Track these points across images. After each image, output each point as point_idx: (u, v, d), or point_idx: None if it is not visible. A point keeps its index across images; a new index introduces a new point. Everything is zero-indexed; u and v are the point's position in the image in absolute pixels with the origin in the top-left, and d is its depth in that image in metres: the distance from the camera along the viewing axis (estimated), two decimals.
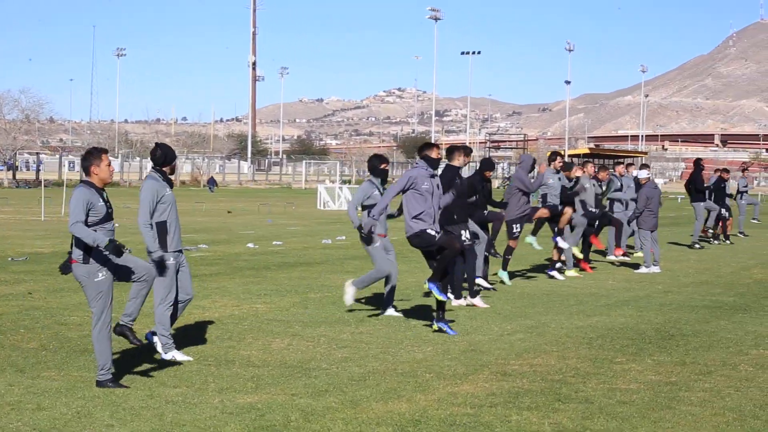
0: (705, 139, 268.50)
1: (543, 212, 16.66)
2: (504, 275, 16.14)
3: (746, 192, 30.32)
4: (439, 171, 12.04)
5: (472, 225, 13.95)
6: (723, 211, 26.20)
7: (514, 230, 15.97)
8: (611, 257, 20.39)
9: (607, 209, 20.09)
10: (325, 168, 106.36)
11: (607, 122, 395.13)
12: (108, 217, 8.36)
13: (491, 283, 15.28)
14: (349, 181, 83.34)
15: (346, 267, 18.66)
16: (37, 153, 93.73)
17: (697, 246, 24.39)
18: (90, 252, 8.26)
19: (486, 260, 14.89)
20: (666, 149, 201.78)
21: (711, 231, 26.11)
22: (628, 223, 20.76)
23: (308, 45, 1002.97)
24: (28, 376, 8.71)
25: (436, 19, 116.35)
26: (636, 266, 19.21)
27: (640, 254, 20.32)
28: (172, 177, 9.78)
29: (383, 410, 7.66)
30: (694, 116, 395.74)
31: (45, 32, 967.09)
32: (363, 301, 13.94)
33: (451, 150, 13.14)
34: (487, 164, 15.29)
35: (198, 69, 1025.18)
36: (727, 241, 26.08)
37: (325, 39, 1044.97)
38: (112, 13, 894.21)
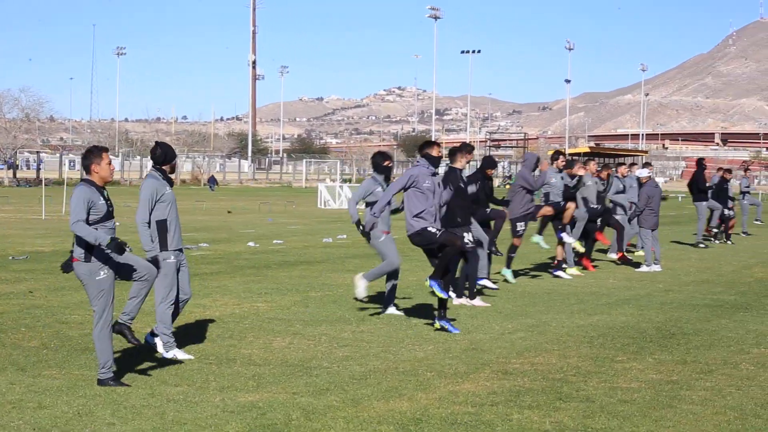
0: (705, 137, 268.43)
1: (547, 210, 16.64)
2: (508, 273, 16.14)
3: (748, 192, 30.30)
4: (441, 170, 12.05)
5: (476, 230, 13.92)
6: (726, 211, 26.19)
7: (518, 228, 15.97)
8: (612, 255, 20.37)
9: (610, 208, 20.07)
10: (326, 167, 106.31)
11: (607, 121, 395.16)
12: (109, 215, 8.36)
13: (494, 282, 15.29)
14: (350, 180, 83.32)
15: (347, 266, 18.66)
16: (38, 152, 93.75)
17: (701, 245, 24.37)
18: (91, 250, 8.26)
19: (489, 259, 14.89)
20: (666, 148, 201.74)
21: (715, 230, 26.09)
22: (629, 221, 20.75)
23: (308, 44, 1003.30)
24: (30, 375, 8.71)
25: (436, 17, 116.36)
26: (637, 265, 19.21)
27: (641, 253, 20.32)
28: (173, 176, 9.79)
29: (384, 409, 7.66)
30: (695, 115, 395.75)
31: (45, 31, 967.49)
32: (365, 299, 13.95)
33: (453, 152, 13.14)
34: (489, 162, 15.28)
35: (198, 68, 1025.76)
36: (728, 242, 26.07)
37: (325, 38, 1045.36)
38: (112, 12, 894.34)
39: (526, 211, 15.98)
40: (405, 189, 11.30)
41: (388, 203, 11.57)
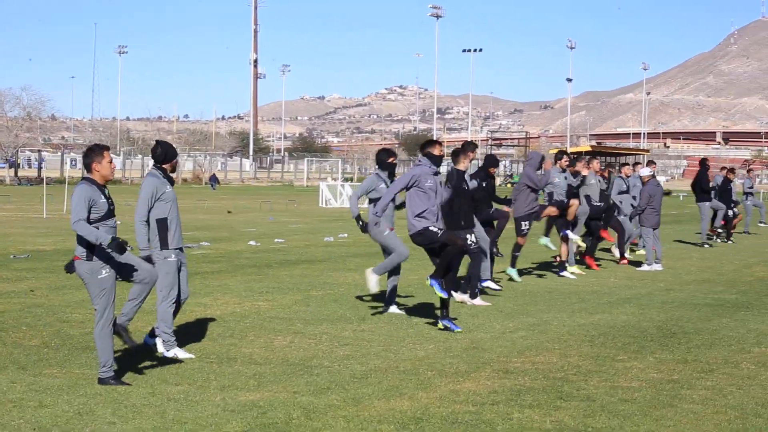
0: (707, 136, 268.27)
1: (551, 210, 16.58)
2: (514, 272, 16.15)
3: (752, 193, 30.24)
4: (443, 169, 12.04)
5: (478, 231, 13.91)
6: (729, 211, 26.19)
7: (523, 227, 15.96)
8: (616, 253, 20.33)
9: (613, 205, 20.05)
10: (327, 166, 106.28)
11: (608, 120, 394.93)
12: (110, 213, 8.36)
13: (496, 281, 15.30)
14: (351, 179, 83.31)
15: (348, 264, 18.66)
16: (39, 150, 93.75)
17: (706, 245, 24.32)
18: (93, 249, 8.26)
19: (492, 260, 14.90)
20: (668, 147, 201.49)
21: (719, 231, 26.07)
22: (630, 219, 20.74)
23: (310, 42, 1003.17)
24: (30, 374, 8.71)
25: (438, 16, 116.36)
26: (638, 264, 19.20)
27: (642, 252, 20.32)
28: (174, 175, 9.79)
29: (385, 408, 7.66)
30: (696, 114, 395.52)
31: (46, 30, 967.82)
32: (366, 298, 13.95)
33: (456, 153, 13.12)
34: (492, 161, 15.26)
35: (200, 66, 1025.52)
36: (729, 241, 26.05)
37: (326, 36, 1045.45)
38: (114, 11, 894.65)
39: (531, 210, 15.97)
40: (407, 188, 11.30)
41: (392, 200, 11.58)
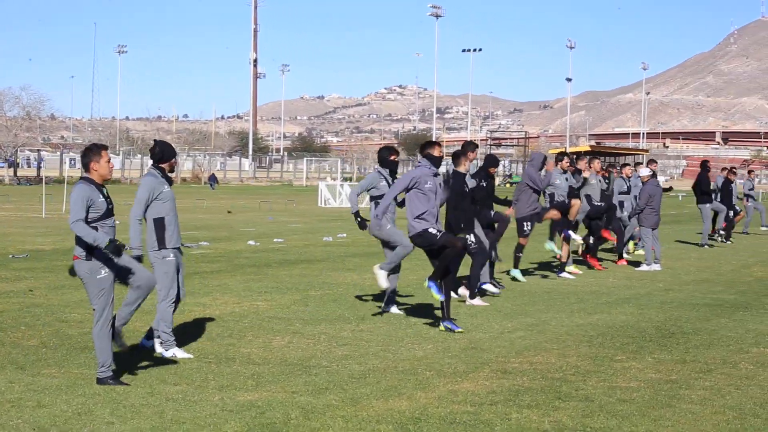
0: (706, 136, 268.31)
1: (553, 214, 16.51)
2: (517, 273, 16.17)
3: (752, 196, 30.17)
4: (442, 169, 12.05)
5: (479, 233, 13.91)
6: (730, 212, 26.18)
7: (525, 228, 15.96)
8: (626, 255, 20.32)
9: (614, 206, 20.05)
10: (326, 165, 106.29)
11: (608, 119, 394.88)
12: (109, 213, 8.36)
13: (498, 281, 15.32)
14: (350, 179, 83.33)
15: (347, 264, 18.66)
16: (38, 150, 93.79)
17: (706, 246, 24.29)
18: (92, 249, 8.25)
19: (492, 264, 14.91)
20: (667, 147, 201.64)
21: (721, 232, 26.05)
22: (629, 218, 20.74)
23: (309, 42, 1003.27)
24: (29, 374, 8.71)
25: (437, 16, 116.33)
26: (637, 264, 19.21)
27: (641, 252, 20.32)
28: (172, 174, 9.79)
29: (383, 408, 7.66)
30: (696, 114, 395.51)
31: (46, 29, 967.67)
32: (366, 298, 13.95)
33: (457, 156, 13.10)
34: (492, 161, 15.24)
35: (199, 66, 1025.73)
36: (728, 242, 26.04)
37: (326, 36, 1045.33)
38: (113, 11, 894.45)
39: (533, 211, 15.96)
40: (407, 190, 11.31)
41: (395, 199, 11.59)
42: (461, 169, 13.02)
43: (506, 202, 15.57)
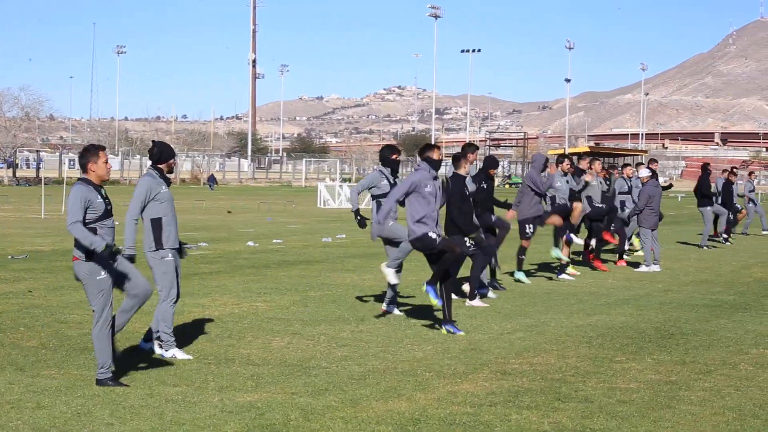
0: (705, 137, 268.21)
1: (555, 219, 16.47)
2: (521, 276, 16.19)
3: (753, 199, 30.12)
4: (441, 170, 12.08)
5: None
6: (730, 215, 26.20)
7: (527, 230, 15.95)
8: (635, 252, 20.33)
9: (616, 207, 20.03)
10: (326, 166, 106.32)
11: (607, 120, 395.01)
12: (107, 213, 8.35)
13: (499, 283, 15.32)
14: (349, 179, 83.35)
15: (346, 265, 18.66)
16: (37, 150, 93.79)
17: (705, 248, 24.29)
18: (91, 252, 8.24)
19: (493, 272, 14.90)
20: (666, 148, 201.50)
21: (724, 236, 26.05)
22: (629, 218, 20.74)
23: (308, 43, 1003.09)
24: (28, 375, 8.71)
25: (436, 16, 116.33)
26: (636, 265, 19.21)
27: (640, 253, 20.31)
28: (171, 175, 9.79)
29: (383, 409, 7.66)
30: (694, 114, 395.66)
31: (45, 30, 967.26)
32: (366, 299, 13.95)
33: (457, 158, 13.11)
34: (491, 162, 15.24)
35: (198, 67, 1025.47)
36: (727, 243, 26.03)
37: (325, 36, 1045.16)
38: (112, 11, 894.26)
39: (536, 214, 15.96)
40: (407, 194, 11.31)
41: (399, 201, 11.60)
42: (461, 171, 13.01)
43: (506, 205, 15.53)
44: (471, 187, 13.55)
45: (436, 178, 11.34)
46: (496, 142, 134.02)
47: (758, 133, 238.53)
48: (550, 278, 17.23)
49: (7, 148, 77.54)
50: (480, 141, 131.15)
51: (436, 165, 11.40)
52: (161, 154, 9.56)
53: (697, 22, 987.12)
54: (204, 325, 11.45)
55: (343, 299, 13.92)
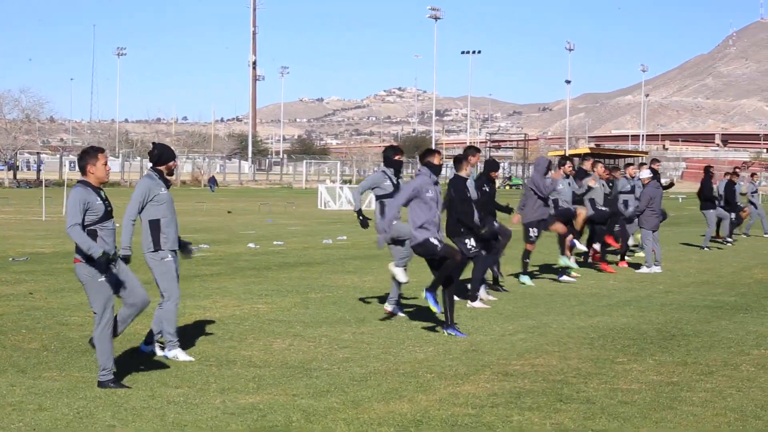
0: (706, 138, 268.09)
1: (559, 227, 16.42)
2: (526, 279, 16.19)
3: (754, 202, 30.09)
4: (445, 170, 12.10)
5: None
6: (733, 215, 26.19)
7: (531, 234, 15.94)
8: (640, 253, 20.30)
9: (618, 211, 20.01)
10: (326, 168, 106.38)
11: (607, 122, 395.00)
12: (107, 215, 8.34)
13: (501, 285, 15.32)
14: (350, 181, 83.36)
15: (347, 267, 18.66)
16: (38, 153, 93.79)
17: (706, 249, 24.27)
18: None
19: (495, 279, 14.89)
20: (666, 149, 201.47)
21: (728, 240, 26.03)
22: (630, 220, 20.73)
23: (308, 44, 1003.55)
24: (30, 377, 8.71)
25: (436, 18, 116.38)
26: (637, 266, 19.21)
27: (641, 254, 20.31)
28: (172, 177, 9.79)
29: (385, 410, 7.65)
30: (695, 116, 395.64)
31: (45, 32, 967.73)
32: (369, 300, 13.95)
33: (459, 160, 13.11)
34: (492, 165, 15.24)
35: (198, 68, 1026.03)
36: (728, 244, 26.01)
37: (325, 38, 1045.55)
38: (113, 13, 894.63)
39: (540, 217, 15.94)
40: (409, 201, 11.31)
41: (400, 207, 11.62)
42: (462, 173, 13.02)
43: (507, 209, 15.44)
44: (473, 193, 13.48)
45: (436, 183, 11.35)
46: (496, 144, 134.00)
47: (759, 135, 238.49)
48: (552, 280, 17.22)
49: (7, 150, 77.58)
50: (480, 143, 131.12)
51: (436, 170, 11.41)
52: (160, 156, 9.57)
53: (697, 23, 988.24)
54: (205, 327, 11.45)
55: (344, 301, 13.92)
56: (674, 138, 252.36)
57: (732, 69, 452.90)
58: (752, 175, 32.01)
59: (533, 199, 15.96)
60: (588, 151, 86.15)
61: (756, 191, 30.38)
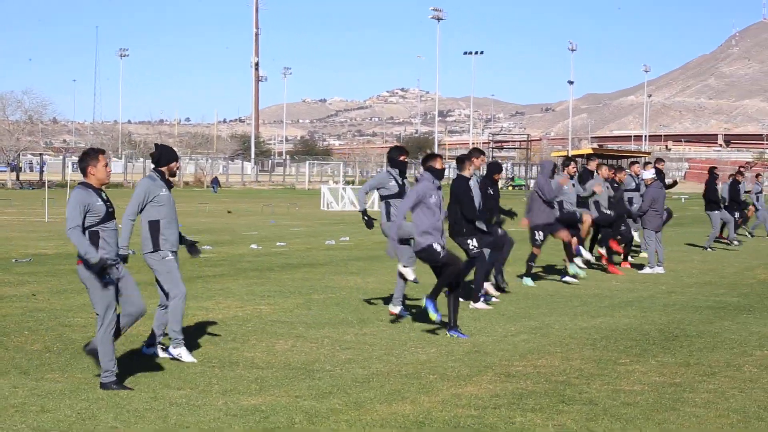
0: (708, 139, 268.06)
1: (564, 235, 16.36)
2: (528, 280, 16.17)
3: (755, 205, 30.03)
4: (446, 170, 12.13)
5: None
6: (738, 216, 26.16)
7: (536, 237, 15.92)
8: (643, 254, 20.28)
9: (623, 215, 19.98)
10: (329, 168, 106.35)
11: (610, 122, 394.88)
12: (109, 216, 8.34)
13: (503, 288, 15.31)
14: (353, 182, 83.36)
15: (349, 268, 18.65)
16: (41, 154, 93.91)
17: (709, 249, 24.25)
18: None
19: (501, 289, 14.91)
20: (669, 149, 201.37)
21: (735, 242, 26.00)
22: (633, 220, 20.71)
23: (311, 45, 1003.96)
24: (32, 378, 8.71)
25: (439, 19, 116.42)
26: (640, 267, 19.19)
27: (644, 255, 20.29)
28: (174, 179, 9.79)
29: (387, 412, 7.65)
30: (697, 116, 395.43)
31: (47, 33, 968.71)
32: (373, 301, 13.95)
33: (461, 160, 13.11)
34: (495, 167, 15.22)
35: (201, 69, 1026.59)
36: (736, 244, 25.95)
37: (327, 39, 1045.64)
38: (115, 14, 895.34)
39: (546, 221, 15.93)
40: (414, 207, 11.32)
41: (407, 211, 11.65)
42: (466, 173, 13.02)
43: (509, 213, 15.37)
44: (477, 194, 13.44)
45: (439, 188, 11.35)
46: (499, 145, 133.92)
47: (762, 135, 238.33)
48: (555, 280, 17.21)
49: (10, 152, 77.64)
50: (483, 143, 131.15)
51: (439, 174, 11.41)
52: (161, 157, 9.57)
53: (699, 24, 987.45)
54: (208, 328, 11.45)
55: (347, 302, 13.92)
56: (677, 138, 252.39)
57: (735, 69, 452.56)
58: (756, 176, 31.96)
59: (539, 202, 15.95)
60: (591, 151, 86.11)
61: (761, 191, 30.34)
